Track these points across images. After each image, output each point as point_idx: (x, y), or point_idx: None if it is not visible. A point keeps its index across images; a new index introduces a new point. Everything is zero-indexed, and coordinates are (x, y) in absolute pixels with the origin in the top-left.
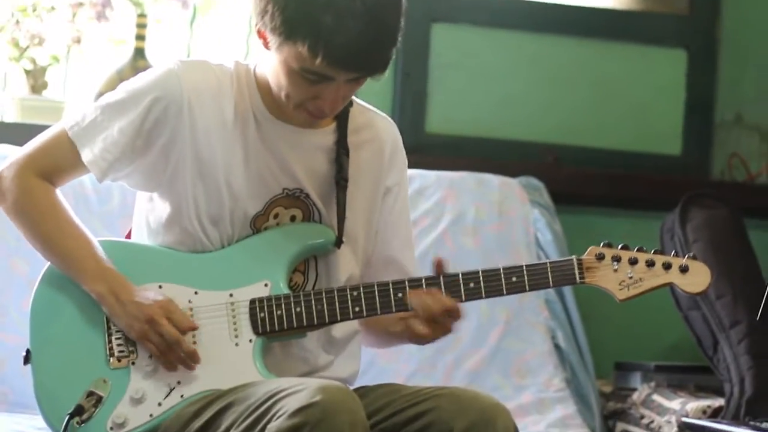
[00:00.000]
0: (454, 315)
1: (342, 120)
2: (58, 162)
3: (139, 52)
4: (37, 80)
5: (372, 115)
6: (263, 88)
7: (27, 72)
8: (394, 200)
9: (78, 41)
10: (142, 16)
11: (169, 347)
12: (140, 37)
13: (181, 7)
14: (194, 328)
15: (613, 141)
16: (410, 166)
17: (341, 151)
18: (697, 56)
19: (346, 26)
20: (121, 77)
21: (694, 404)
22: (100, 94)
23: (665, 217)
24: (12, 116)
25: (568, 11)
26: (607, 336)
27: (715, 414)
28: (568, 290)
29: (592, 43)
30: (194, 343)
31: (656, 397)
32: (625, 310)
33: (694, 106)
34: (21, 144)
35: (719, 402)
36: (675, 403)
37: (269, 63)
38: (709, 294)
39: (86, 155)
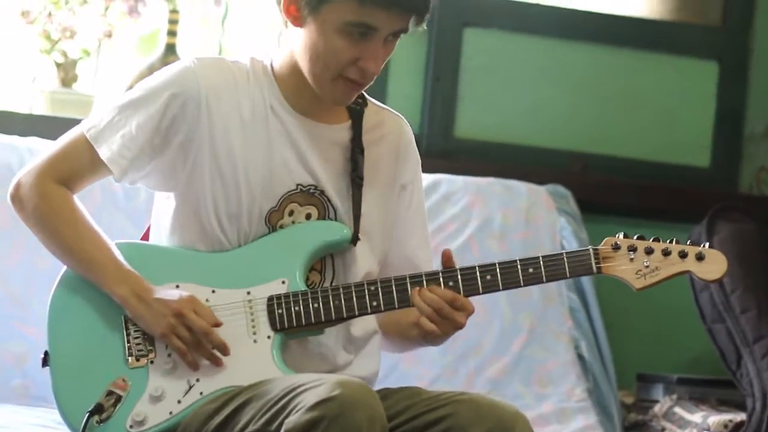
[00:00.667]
0: (459, 307)
1: (357, 118)
2: (76, 166)
3: (170, 48)
4: (67, 73)
5: (385, 113)
6: (282, 81)
7: (57, 65)
8: (409, 198)
9: (109, 35)
10: (174, 12)
11: (197, 341)
12: (172, 33)
13: (213, 4)
14: (218, 324)
15: (642, 151)
16: (438, 171)
17: (356, 149)
18: (728, 68)
19: None
20: (151, 73)
21: (716, 418)
22: (130, 89)
23: (692, 229)
24: (41, 109)
25: (599, 19)
26: (630, 347)
27: (736, 429)
28: (592, 299)
29: (623, 52)
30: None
31: (678, 410)
32: (649, 320)
33: (724, 118)
34: (49, 137)
35: (741, 417)
36: (697, 417)
37: (298, 41)
38: (734, 308)
39: (104, 153)
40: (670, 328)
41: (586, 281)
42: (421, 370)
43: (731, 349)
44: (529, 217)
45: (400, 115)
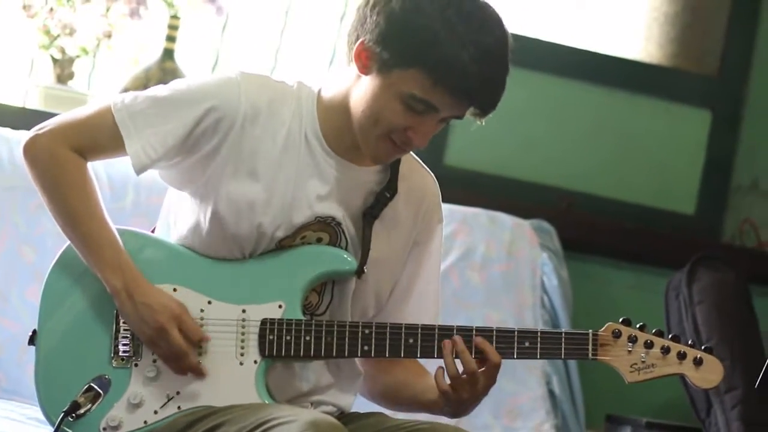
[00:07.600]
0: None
1: (394, 163)
2: (97, 141)
3: (168, 54)
4: (63, 70)
5: (416, 166)
6: (325, 115)
7: (55, 61)
8: (418, 259)
9: (109, 36)
10: (174, 17)
11: (175, 357)
12: (170, 39)
13: (215, 12)
14: (206, 339)
15: (629, 194)
16: None
17: (386, 192)
18: (721, 119)
19: (481, 61)
20: (147, 76)
21: None
22: (125, 91)
23: (672, 275)
24: (35, 103)
25: (597, 59)
26: (602, 386)
27: None
28: None
29: (618, 94)
30: (200, 354)
31: None
32: None
33: (713, 167)
34: None
35: None
36: None
37: (358, 88)
38: None
39: (130, 146)
40: None
41: (562, 315)
42: None
43: (702, 397)
44: (511, 251)
45: (432, 174)
